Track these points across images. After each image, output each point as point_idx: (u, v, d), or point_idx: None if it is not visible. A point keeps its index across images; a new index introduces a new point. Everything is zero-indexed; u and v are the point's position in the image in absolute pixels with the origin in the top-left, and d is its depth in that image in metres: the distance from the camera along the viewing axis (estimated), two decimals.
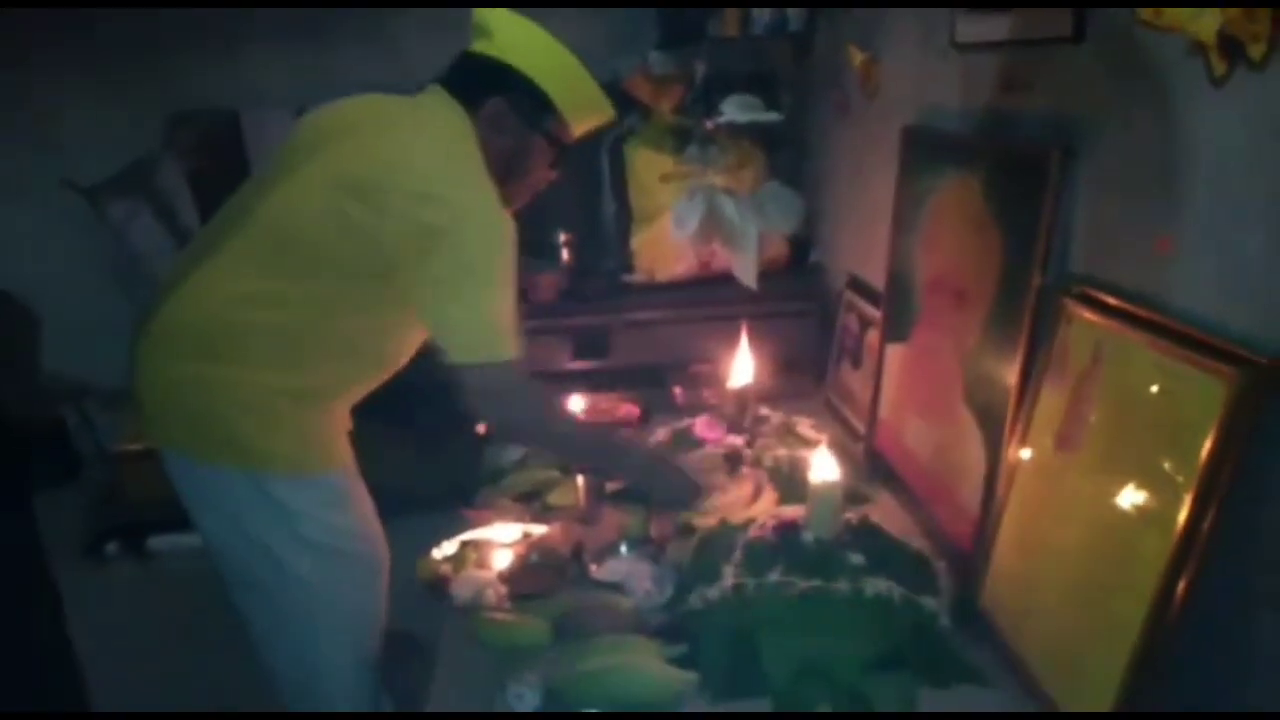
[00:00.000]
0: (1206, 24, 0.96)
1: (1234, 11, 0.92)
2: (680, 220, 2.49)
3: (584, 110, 1.47)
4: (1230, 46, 0.94)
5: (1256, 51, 0.91)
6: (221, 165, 2.93)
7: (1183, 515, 0.93)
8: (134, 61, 3.12)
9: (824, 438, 1.63)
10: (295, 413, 1.37)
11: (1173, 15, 1.00)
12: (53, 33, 3.03)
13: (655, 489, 1.58)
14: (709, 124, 2.54)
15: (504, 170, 1.43)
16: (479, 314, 1.32)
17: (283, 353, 1.36)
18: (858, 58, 2.03)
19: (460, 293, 1.32)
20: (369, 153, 1.36)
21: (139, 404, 1.45)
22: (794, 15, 2.50)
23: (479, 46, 1.45)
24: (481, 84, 1.42)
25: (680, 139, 2.62)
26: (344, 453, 1.47)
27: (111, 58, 3.11)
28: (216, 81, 3.10)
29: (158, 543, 2.87)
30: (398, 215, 1.30)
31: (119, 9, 2.92)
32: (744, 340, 1.87)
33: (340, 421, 1.49)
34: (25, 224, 3.14)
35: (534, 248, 2.75)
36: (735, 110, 2.53)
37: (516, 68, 1.41)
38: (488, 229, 1.33)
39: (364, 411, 1.64)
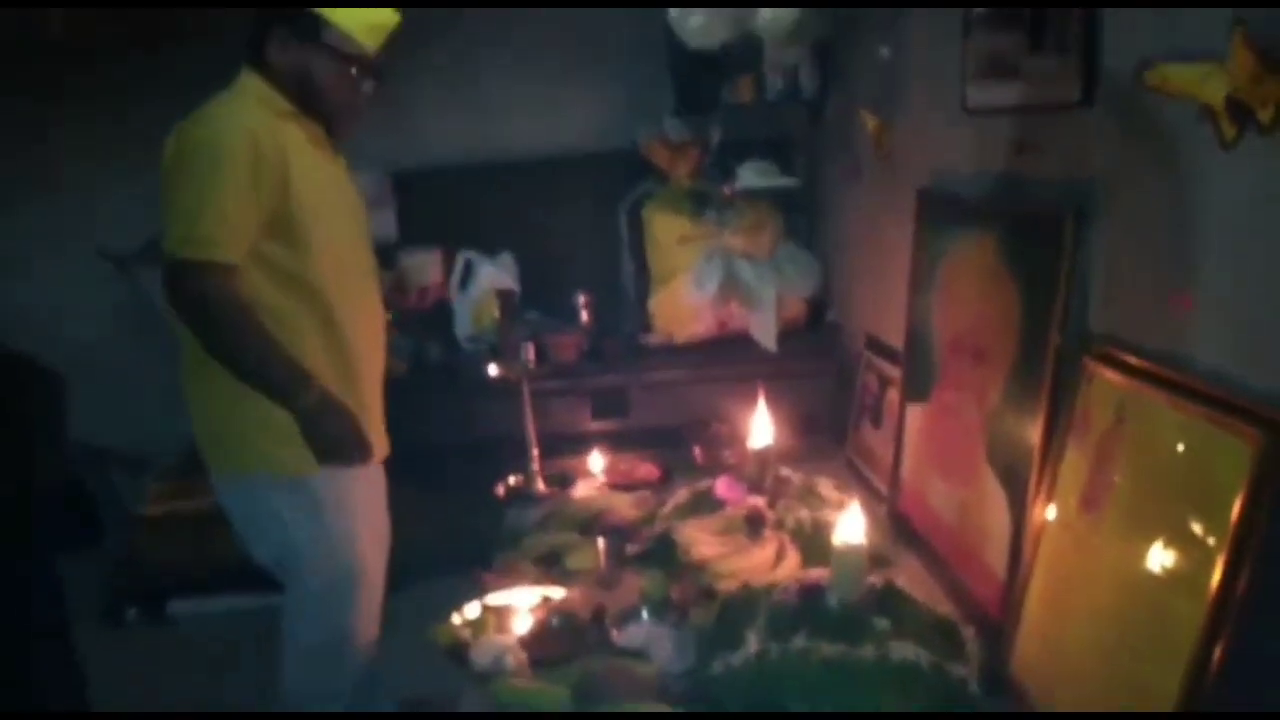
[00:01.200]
0: (1214, 89, 0.97)
1: (1242, 77, 0.93)
2: (700, 281, 2.52)
3: (357, 18, 1.57)
4: (1239, 112, 0.96)
5: (1266, 116, 0.92)
6: None
7: (1215, 578, 0.91)
8: (161, 130, 3.21)
9: (853, 497, 1.62)
10: (261, 413, 1.49)
11: (1180, 81, 1.03)
12: (83, 102, 3.13)
13: (315, 438, 1.50)
14: (726, 189, 2.58)
15: (304, 93, 1.57)
16: (186, 215, 1.45)
17: None
18: (870, 123, 2.07)
19: (177, 197, 1.47)
20: None
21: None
22: (806, 82, 2.56)
23: None
24: (263, 26, 1.58)
25: (698, 202, 2.66)
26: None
27: (140, 125, 3.19)
28: None
29: (177, 607, 2.87)
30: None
31: (148, 82, 3.01)
32: (761, 401, 1.87)
33: None
34: (52, 290, 3.20)
35: (554, 309, 2.80)
36: (752, 176, 2.58)
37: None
38: (206, 147, 1.48)
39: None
